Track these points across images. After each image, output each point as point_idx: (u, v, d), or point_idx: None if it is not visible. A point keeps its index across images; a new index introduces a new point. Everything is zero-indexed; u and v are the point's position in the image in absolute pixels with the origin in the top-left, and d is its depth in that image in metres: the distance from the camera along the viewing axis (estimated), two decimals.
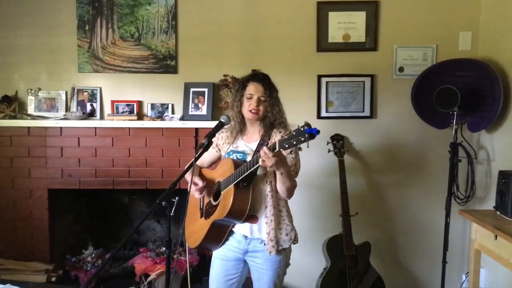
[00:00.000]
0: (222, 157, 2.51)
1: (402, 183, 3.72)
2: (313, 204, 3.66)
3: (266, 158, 2.00)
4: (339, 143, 3.54)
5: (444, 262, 3.42)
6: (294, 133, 1.89)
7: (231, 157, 2.39)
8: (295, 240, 2.39)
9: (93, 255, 3.52)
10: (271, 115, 2.34)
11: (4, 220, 3.57)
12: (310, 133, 1.83)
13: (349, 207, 3.41)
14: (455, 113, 3.29)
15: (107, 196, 4.02)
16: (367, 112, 3.65)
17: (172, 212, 2.16)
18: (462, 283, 3.62)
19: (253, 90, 2.34)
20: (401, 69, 3.63)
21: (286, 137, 1.92)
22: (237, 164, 2.27)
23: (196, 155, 2.27)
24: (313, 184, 3.65)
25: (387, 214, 3.75)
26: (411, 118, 3.61)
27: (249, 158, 2.32)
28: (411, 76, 3.59)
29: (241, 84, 2.42)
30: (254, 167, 2.12)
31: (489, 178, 3.46)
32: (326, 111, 3.65)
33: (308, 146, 1.88)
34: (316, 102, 3.64)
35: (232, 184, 2.22)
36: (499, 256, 2.50)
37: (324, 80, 3.62)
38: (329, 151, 3.56)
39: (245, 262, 2.43)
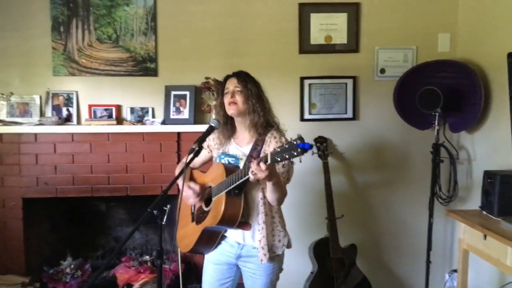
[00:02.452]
0: (213, 159, 2.45)
1: (385, 184, 3.73)
2: (298, 207, 3.63)
3: (258, 171, 1.95)
4: (322, 145, 3.52)
5: (428, 261, 3.45)
6: (287, 146, 1.83)
7: (223, 161, 2.34)
8: (288, 246, 2.37)
9: (72, 266, 3.37)
10: (251, 109, 2.28)
11: None
12: (302, 148, 1.79)
13: (334, 210, 3.40)
14: (436, 114, 3.32)
15: (83, 203, 3.87)
16: (349, 114, 3.65)
17: (164, 220, 2.11)
18: (446, 282, 3.65)
19: (229, 84, 2.34)
20: (382, 71, 3.65)
21: (279, 149, 1.86)
22: (228, 170, 2.21)
23: (187, 161, 2.21)
24: (298, 187, 3.59)
25: (371, 215, 3.76)
26: (393, 120, 3.62)
27: (241, 163, 2.28)
28: (392, 77, 3.61)
29: (221, 87, 2.41)
30: (245, 178, 2.07)
31: (470, 178, 3.50)
32: (309, 114, 3.63)
33: (300, 161, 1.83)
34: (299, 105, 3.61)
35: (223, 192, 2.17)
36: (489, 255, 2.52)
37: (307, 82, 3.60)
38: (313, 153, 3.53)
39: (237, 266, 2.39)
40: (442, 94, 3.22)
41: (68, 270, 3.33)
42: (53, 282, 3.28)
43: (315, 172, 3.56)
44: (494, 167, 2.98)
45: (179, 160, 3.44)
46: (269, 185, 2.12)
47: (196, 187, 2.35)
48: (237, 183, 2.09)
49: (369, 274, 3.46)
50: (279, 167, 2.19)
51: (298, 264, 3.53)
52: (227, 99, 2.31)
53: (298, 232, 3.58)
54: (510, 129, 2.79)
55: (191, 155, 2.21)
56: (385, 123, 3.68)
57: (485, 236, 2.53)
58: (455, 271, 3.59)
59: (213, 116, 3.42)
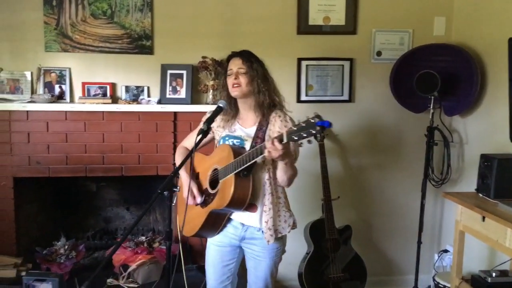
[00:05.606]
0: (216, 141, 2.43)
1: (379, 166, 3.77)
2: (294, 189, 3.60)
3: (273, 150, 1.92)
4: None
5: (419, 242, 3.53)
6: (304, 125, 1.79)
7: (228, 142, 2.31)
8: (293, 226, 2.38)
9: (66, 246, 3.31)
10: (256, 90, 2.25)
11: None
12: (322, 126, 1.74)
13: (330, 191, 3.42)
14: (432, 97, 3.35)
15: (72, 183, 3.80)
16: (345, 96, 3.65)
17: (174, 202, 2.10)
18: (435, 262, 3.75)
19: (232, 65, 2.29)
20: (379, 53, 3.65)
21: (295, 128, 1.82)
22: (236, 152, 2.18)
23: (196, 141, 2.18)
24: None
25: (365, 196, 3.80)
26: (389, 102, 3.65)
27: (247, 144, 2.25)
28: (388, 60, 3.62)
29: (223, 68, 2.37)
30: (259, 158, 2.04)
31: (462, 161, 3.57)
32: (306, 95, 3.61)
33: (310, 142, 1.82)
34: (296, 86, 3.59)
35: (232, 173, 2.14)
36: (487, 237, 2.58)
37: (304, 63, 3.57)
38: None
39: (240, 248, 2.39)
40: (439, 77, 3.25)
41: (62, 250, 3.26)
42: (46, 263, 3.21)
43: (310, 155, 3.56)
44: (486, 150, 3.03)
45: (175, 140, 3.39)
46: (281, 165, 2.11)
47: (195, 190, 2.33)
48: (250, 163, 2.06)
49: (361, 253, 3.51)
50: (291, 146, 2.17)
51: (294, 245, 3.51)
52: (230, 81, 2.27)
53: (294, 213, 3.61)
54: (508, 113, 2.84)
55: (200, 136, 2.19)
56: (380, 106, 3.70)
57: (483, 218, 2.59)
58: (444, 251, 3.69)
59: (210, 96, 3.41)
